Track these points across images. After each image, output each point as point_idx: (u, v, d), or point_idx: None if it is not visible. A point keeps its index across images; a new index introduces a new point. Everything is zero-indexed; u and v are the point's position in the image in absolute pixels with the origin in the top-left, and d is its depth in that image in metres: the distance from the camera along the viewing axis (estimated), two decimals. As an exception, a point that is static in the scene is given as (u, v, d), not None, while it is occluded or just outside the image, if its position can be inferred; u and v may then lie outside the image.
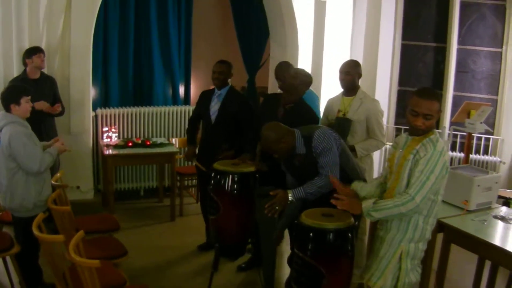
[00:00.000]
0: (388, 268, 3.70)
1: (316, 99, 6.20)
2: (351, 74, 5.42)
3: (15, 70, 6.47)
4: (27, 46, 6.46)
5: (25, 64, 6.31)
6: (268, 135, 4.37)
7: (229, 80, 6.01)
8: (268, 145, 4.40)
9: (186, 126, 8.09)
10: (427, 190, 3.49)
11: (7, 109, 4.72)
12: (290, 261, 4.92)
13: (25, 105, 4.76)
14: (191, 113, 8.11)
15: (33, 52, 6.28)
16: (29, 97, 4.80)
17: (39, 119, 5.85)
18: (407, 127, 3.76)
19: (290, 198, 4.35)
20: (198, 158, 6.20)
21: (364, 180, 4.56)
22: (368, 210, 3.61)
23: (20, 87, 4.93)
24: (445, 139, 6.44)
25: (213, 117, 5.93)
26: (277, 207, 4.35)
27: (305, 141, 4.36)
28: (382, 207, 3.57)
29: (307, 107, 5.29)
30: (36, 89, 5.61)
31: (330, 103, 5.71)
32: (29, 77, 6.28)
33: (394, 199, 3.56)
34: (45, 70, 6.64)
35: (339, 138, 4.48)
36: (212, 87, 6.10)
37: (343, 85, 5.51)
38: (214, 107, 5.93)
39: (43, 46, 6.65)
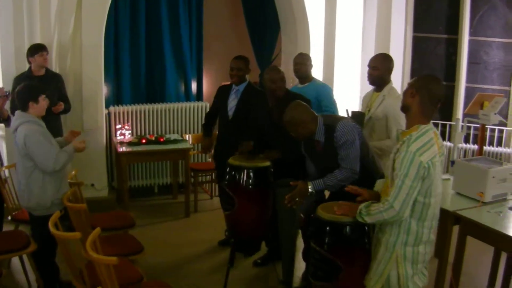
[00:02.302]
0: (384, 273, 3.59)
1: (330, 91, 6.15)
2: (378, 68, 5.13)
3: (27, 68, 6.50)
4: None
5: (29, 62, 6.32)
6: (292, 116, 4.34)
7: (247, 75, 5.95)
8: (287, 125, 4.38)
9: (200, 122, 8.13)
10: (405, 195, 3.36)
11: (25, 107, 4.73)
12: (304, 255, 4.92)
13: (43, 103, 4.78)
14: (204, 109, 8.16)
15: (35, 51, 6.25)
16: (45, 95, 4.82)
17: (44, 119, 5.82)
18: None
19: (310, 190, 4.37)
20: (215, 155, 6.18)
21: (383, 174, 4.52)
22: (361, 214, 3.57)
23: (37, 86, 4.95)
24: (458, 131, 6.41)
25: (230, 112, 5.89)
26: (297, 198, 4.36)
27: (327, 130, 4.33)
28: (370, 211, 3.52)
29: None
30: None
31: (363, 98, 5.55)
32: (34, 74, 6.28)
33: (380, 204, 3.48)
34: (57, 68, 6.68)
35: (360, 131, 4.45)
36: (227, 82, 6.07)
37: (369, 80, 5.25)
38: (232, 103, 5.89)
39: (54, 44, 6.69)
